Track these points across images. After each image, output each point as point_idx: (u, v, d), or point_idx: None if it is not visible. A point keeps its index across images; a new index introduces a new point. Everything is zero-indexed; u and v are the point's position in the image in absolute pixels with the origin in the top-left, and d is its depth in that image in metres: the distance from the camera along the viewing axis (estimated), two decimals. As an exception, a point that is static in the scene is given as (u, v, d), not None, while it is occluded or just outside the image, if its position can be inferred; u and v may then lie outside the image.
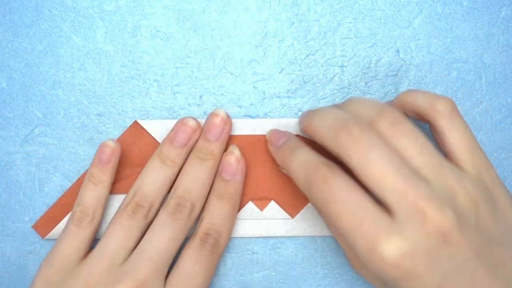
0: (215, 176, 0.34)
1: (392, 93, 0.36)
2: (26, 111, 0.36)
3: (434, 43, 0.36)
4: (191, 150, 0.34)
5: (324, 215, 0.32)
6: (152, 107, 0.36)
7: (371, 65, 0.36)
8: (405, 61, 0.36)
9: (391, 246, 0.26)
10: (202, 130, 0.34)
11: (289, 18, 0.36)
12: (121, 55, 0.36)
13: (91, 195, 0.33)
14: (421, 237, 0.26)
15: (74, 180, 0.35)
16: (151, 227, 0.32)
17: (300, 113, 0.36)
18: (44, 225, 0.35)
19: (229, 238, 0.34)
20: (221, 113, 0.34)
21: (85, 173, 0.35)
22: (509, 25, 0.36)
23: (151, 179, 0.33)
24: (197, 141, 0.34)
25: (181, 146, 0.33)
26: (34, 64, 0.36)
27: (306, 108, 0.36)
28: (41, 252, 0.36)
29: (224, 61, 0.36)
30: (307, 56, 0.36)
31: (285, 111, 0.36)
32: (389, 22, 0.36)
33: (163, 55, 0.36)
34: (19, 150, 0.36)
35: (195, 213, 0.33)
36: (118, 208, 0.33)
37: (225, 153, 0.34)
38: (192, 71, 0.36)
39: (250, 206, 0.35)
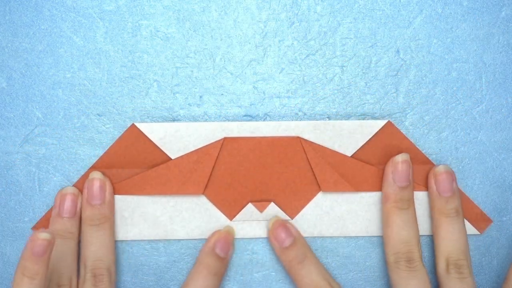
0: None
1: (392, 93, 0.36)
2: (26, 111, 0.36)
3: (434, 43, 0.36)
4: (80, 219, 0.34)
5: None
6: (152, 107, 0.36)
7: (371, 65, 0.36)
8: (405, 61, 0.36)
9: None
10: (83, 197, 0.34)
11: (289, 18, 0.36)
12: (121, 55, 0.36)
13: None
14: None
15: (74, 180, 0.35)
16: None
17: (300, 113, 0.36)
18: (44, 226, 0.35)
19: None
20: (98, 175, 0.34)
21: (86, 174, 0.35)
22: (509, 25, 0.36)
23: (59, 256, 0.33)
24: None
25: (72, 216, 0.34)
26: (34, 64, 0.36)
27: (306, 108, 0.36)
28: (41, 252, 0.36)
29: (224, 61, 0.36)
30: (307, 56, 0.36)
31: (285, 111, 0.36)
32: (389, 22, 0.36)
33: (163, 55, 0.36)
34: (19, 150, 0.36)
35: (114, 277, 0.33)
36: None
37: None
38: (192, 71, 0.36)
39: (249, 208, 0.35)
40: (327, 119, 0.36)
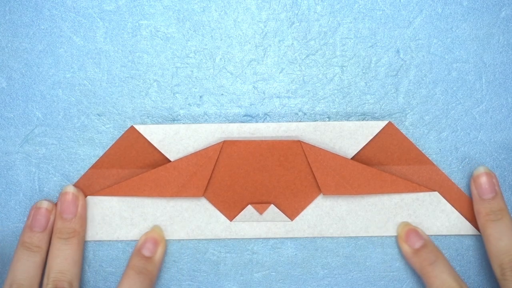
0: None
1: (392, 93, 0.36)
2: (26, 111, 0.36)
3: (434, 43, 0.36)
4: (51, 232, 0.34)
5: None
6: (152, 107, 0.36)
7: (371, 65, 0.36)
8: (405, 61, 0.36)
9: None
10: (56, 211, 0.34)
11: (289, 18, 0.36)
12: (121, 55, 0.36)
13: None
14: None
15: (74, 180, 0.35)
16: None
17: (300, 113, 0.36)
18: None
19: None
20: (71, 189, 0.34)
21: (85, 175, 0.35)
22: (509, 25, 0.36)
23: (22, 268, 0.33)
24: (54, 222, 0.34)
25: (42, 230, 0.34)
26: (34, 64, 0.36)
27: (306, 108, 0.36)
28: (41, 252, 0.36)
29: (224, 61, 0.36)
30: (307, 56, 0.36)
31: (285, 111, 0.36)
32: (389, 22, 0.36)
33: (163, 55, 0.36)
34: (19, 150, 0.36)
35: None
36: None
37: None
38: (192, 71, 0.36)
39: (249, 209, 0.35)
40: (327, 119, 0.36)
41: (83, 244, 0.35)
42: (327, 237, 0.36)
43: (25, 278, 0.33)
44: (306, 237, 0.36)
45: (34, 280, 0.33)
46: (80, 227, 0.34)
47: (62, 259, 0.33)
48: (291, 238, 0.36)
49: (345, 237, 0.36)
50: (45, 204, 0.34)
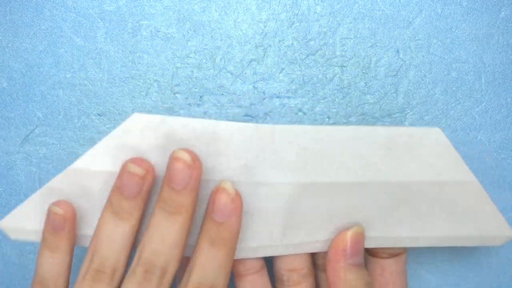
0: (204, 220, 0.28)
1: (392, 93, 0.36)
2: (27, 111, 0.36)
3: (434, 43, 0.36)
4: (148, 197, 0.28)
5: None
6: (152, 107, 0.36)
7: (371, 65, 0.36)
8: (405, 61, 0.36)
9: None
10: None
11: (289, 18, 0.36)
12: (121, 55, 0.36)
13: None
14: None
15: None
16: None
17: (300, 113, 0.36)
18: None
19: None
20: (184, 156, 0.27)
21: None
22: (509, 25, 0.36)
23: (108, 238, 0.27)
24: (151, 185, 0.28)
25: (133, 197, 0.27)
26: (35, 64, 0.36)
27: (306, 108, 0.36)
28: (41, 252, 0.36)
29: (224, 61, 0.36)
30: (307, 56, 0.36)
31: (285, 111, 0.36)
32: (389, 22, 0.36)
33: (163, 55, 0.36)
34: (19, 150, 0.36)
35: (169, 277, 0.27)
36: (78, 277, 0.27)
37: (215, 189, 0.27)
38: (192, 71, 0.36)
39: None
40: (327, 119, 0.36)
41: (190, 224, 0.27)
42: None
43: (111, 251, 0.27)
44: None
45: (121, 254, 0.27)
46: (190, 204, 0.27)
47: (160, 237, 0.26)
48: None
49: (345, 237, 0.36)
50: (136, 169, 0.27)
